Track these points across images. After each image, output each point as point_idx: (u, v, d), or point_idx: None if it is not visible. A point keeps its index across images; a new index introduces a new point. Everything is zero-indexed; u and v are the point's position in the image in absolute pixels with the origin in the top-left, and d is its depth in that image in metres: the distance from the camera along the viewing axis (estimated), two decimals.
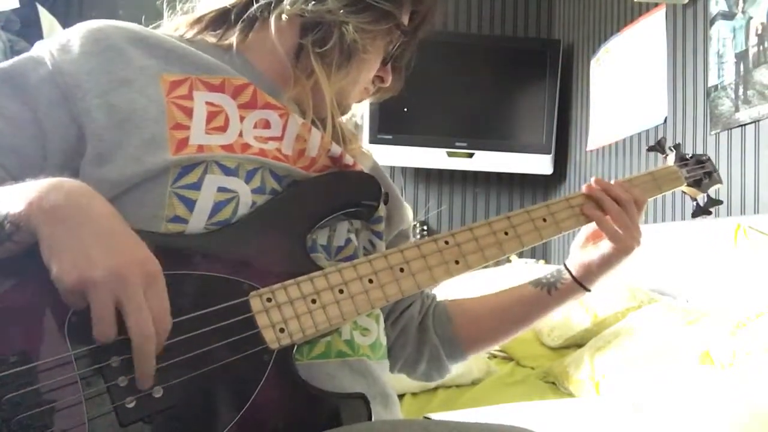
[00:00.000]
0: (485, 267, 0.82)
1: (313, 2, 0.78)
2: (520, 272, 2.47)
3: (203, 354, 0.62)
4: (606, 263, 0.87)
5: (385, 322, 0.89)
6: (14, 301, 0.59)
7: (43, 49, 0.72)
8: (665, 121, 2.40)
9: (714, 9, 2.10)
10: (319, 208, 0.75)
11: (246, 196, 0.72)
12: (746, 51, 1.94)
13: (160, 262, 0.60)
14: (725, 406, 1.10)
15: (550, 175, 3.33)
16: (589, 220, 0.87)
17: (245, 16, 0.79)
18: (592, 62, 3.02)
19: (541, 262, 3.19)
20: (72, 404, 0.57)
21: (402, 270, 0.74)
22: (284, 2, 0.78)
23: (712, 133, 2.11)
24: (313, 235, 0.76)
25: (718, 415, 1.07)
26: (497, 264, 2.64)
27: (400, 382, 1.58)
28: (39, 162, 0.69)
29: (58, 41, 0.72)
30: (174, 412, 0.60)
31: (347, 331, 0.75)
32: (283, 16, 0.79)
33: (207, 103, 0.74)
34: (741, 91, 1.96)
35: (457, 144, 3.27)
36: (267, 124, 0.77)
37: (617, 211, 0.85)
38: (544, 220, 0.84)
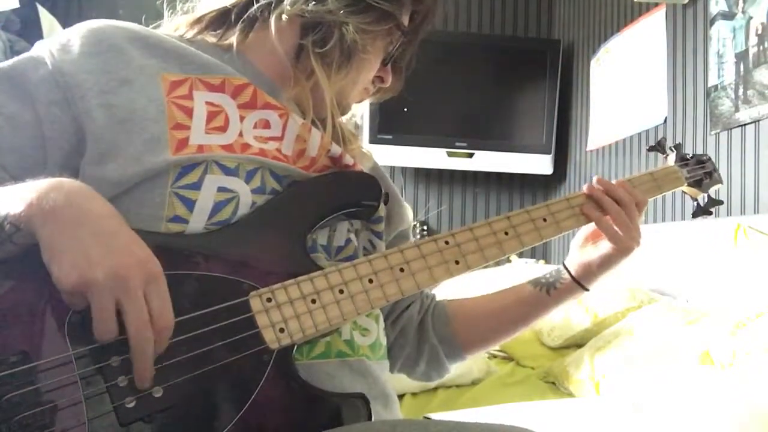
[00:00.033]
0: (485, 267, 0.82)
1: (314, 2, 0.78)
2: (520, 272, 2.47)
3: (203, 354, 0.62)
4: (605, 263, 0.87)
5: (384, 322, 0.89)
6: (14, 302, 0.59)
7: (43, 49, 0.72)
8: (665, 121, 2.40)
9: (714, 9, 2.10)
10: (319, 208, 0.75)
11: (246, 196, 0.72)
12: (746, 51, 1.94)
13: (160, 262, 0.60)
14: (725, 406, 1.10)
15: (550, 175, 3.33)
16: (589, 220, 0.87)
17: (245, 16, 0.79)
18: (592, 62, 3.02)
19: (541, 262, 3.19)
20: (72, 404, 0.57)
21: (402, 270, 0.74)
22: (284, 2, 0.78)
23: (712, 133, 2.11)
24: (313, 235, 0.76)
25: (718, 415, 1.07)
26: (497, 264, 2.64)
27: (400, 382, 1.58)
28: (39, 162, 0.69)
29: (58, 41, 0.72)
30: (174, 411, 0.60)
31: (347, 331, 0.76)
32: (284, 17, 0.79)
33: (207, 102, 0.74)
34: (741, 91, 1.96)
35: (457, 144, 3.27)
36: (267, 124, 0.77)
37: (617, 212, 0.85)
38: (544, 220, 0.84)
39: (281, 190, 0.75)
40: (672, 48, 2.38)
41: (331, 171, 0.79)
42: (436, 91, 3.14)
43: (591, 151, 3.03)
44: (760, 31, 1.89)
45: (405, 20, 0.85)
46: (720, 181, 1.01)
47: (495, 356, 2.17)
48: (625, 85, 2.71)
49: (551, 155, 3.28)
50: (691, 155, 1.00)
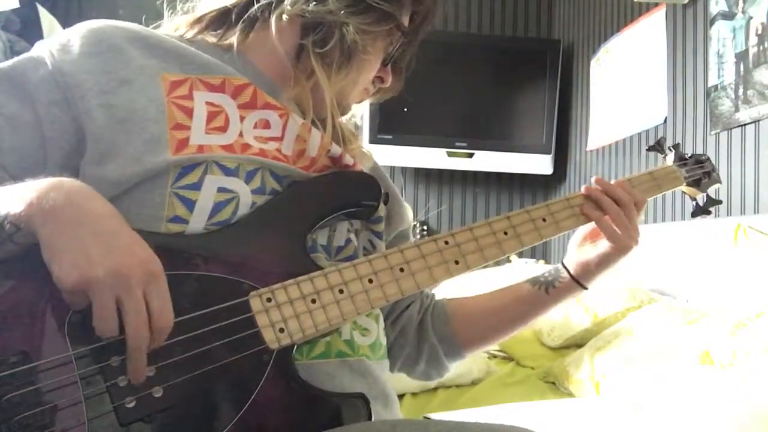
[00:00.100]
0: (485, 267, 0.82)
1: (314, 3, 0.78)
2: (520, 272, 2.47)
3: (203, 354, 0.62)
4: (604, 262, 0.87)
5: (384, 322, 0.89)
6: (15, 302, 0.59)
7: (43, 49, 0.72)
8: (665, 121, 2.40)
9: (714, 9, 2.10)
10: (319, 208, 0.75)
11: (246, 196, 0.72)
12: (746, 51, 1.94)
13: (160, 262, 0.60)
14: (725, 406, 1.10)
15: (550, 175, 3.33)
16: (588, 219, 0.87)
17: (246, 16, 0.79)
18: (592, 62, 3.02)
19: (541, 261, 3.19)
20: (72, 404, 0.57)
21: (402, 270, 0.74)
22: (285, 2, 0.78)
23: (712, 133, 2.11)
24: (313, 235, 0.76)
25: (718, 415, 1.07)
26: (497, 264, 2.64)
27: (400, 382, 1.58)
28: (39, 162, 0.69)
29: (58, 41, 0.72)
30: (174, 411, 0.60)
31: (347, 331, 0.76)
32: (284, 17, 0.79)
33: (207, 103, 0.74)
34: (741, 91, 1.96)
35: (457, 144, 3.27)
36: (267, 125, 0.77)
37: (616, 212, 0.85)
38: (544, 219, 0.84)
39: (281, 191, 0.75)
40: (672, 48, 2.38)
41: (331, 171, 0.80)
42: (436, 91, 3.14)
43: (591, 151, 3.03)
44: (760, 31, 1.89)
45: (405, 21, 0.85)
46: (719, 181, 1.01)
47: (495, 356, 2.17)
48: (625, 85, 2.71)
49: (551, 155, 3.28)
50: (689, 155, 1.01)
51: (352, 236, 0.81)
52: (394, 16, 0.82)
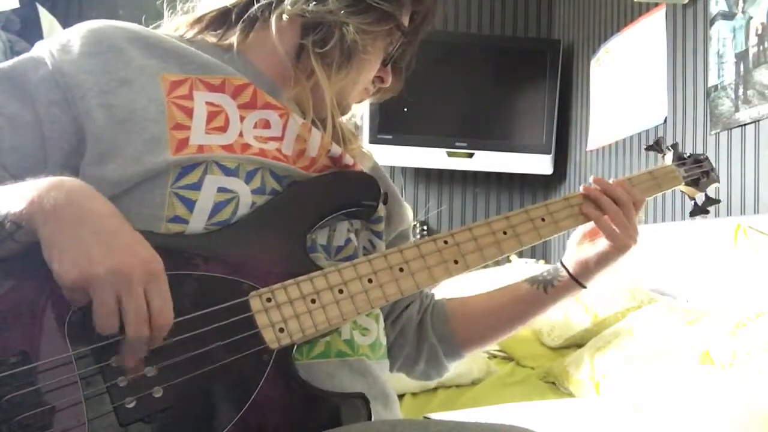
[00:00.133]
0: (485, 267, 0.82)
1: (314, 3, 0.78)
2: (520, 272, 2.47)
3: (203, 354, 0.62)
4: (603, 261, 0.87)
5: (384, 321, 0.89)
6: (15, 302, 0.59)
7: (44, 49, 0.72)
8: (665, 121, 2.40)
9: (714, 9, 2.10)
10: (318, 208, 0.75)
11: (246, 196, 0.72)
12: (746, 51, 1.94)
13: None
14: (725, 406, 1.10)
15: (550, 175, 3.33)
16: (587, 219, 0.87)
17: (246, 16, 0.79)
18: (592, 62, 3.02)
19: (541, 261, 3.19)
20: (72, 404, 0.57)
21: (401, 270, 0.74)
22: (285, 2, 0.78)
23: (712, 133, 2.11)
24: (313, 235, 0.76)
25: (718, 415, 1.07)
26: (497, 264, 2.64)
27: (400, 382, 1.58)
28: (39, 162, 0.69)
29: (58, 41, 0.72)
30: (174, 412, 0.60)
31: (347, 331, 0.76)
32: (284, 17, 0.79)
33: (207, 103, 0.74)
34: (741, 91, 1.96)
35: (457, 144, 3.27)
36: (267, 124, 0.77)
37: (615, 211, 0.85)
38: (543, 219, 0.84)
39: (281, 191, 0.75)
40: (672, 48, 2.38)
41: (330, 171, 0.80)
42: (436, 91, 3.14)
43: (591, 151, 3.03)
44: (760, 31, 1.89)
45: (405, 21, 0.85)
46: (717, 180, 1.01)
47: (495, 356, 2.17)
48: (625, 85, 2.71)
49: (551, 155, 3.28)
50: (688, 154, 1.01)
51: (352, 236, 0.81)
52: (394, 16, 0.82)
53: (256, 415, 0.63)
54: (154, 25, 0.84)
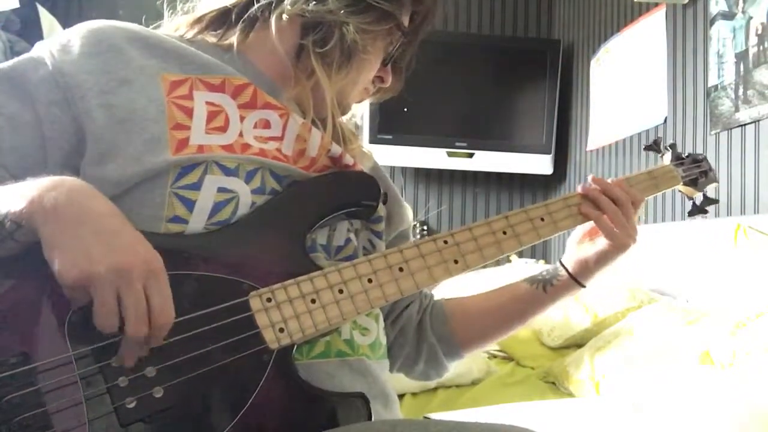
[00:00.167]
0: (485, 266, 0.82)
1: (314, 2, 0.78)
2: (520, 272, 2.47)
3: (203, 354, 0.62)
4: (602, 260, 0.88)
5: (384, 321, 0.89)
6: (15, 302, 0.59)
7: (44, 50, 0.72)
8: (665, 121, 2.40)
9: (714, 9, 2.10)
10: (318, 208, 0.75)
11: (246, 196, 0.72)
12: (746, 51, 1.94)
13: None
14: (725, 406, 1.10)
15: (550, 175, 3.33)
16: (586, 219, 0.87)
17: (246, 16, 0.79)
18: (592, 62, 3.02)
19: (541, 261, 3.19)
20: (72, 404, 0.57)
21: (401, 269, 0.74)
22: (285, 2, 0.78)
23: (712, 133, 2.11)
24: (313, 235, 0.76)
25: (718, 415, 1.07)
26: (497, 264, 2.64)
27: (400, 382, 1.57)
28: (39, 162, 0.69)
29: (58, 41, 0.72)
30: (174, 412, 0.60)
31: (347, 331, 0.76)
32: (284, 16, 0.79)
33: (207, 103, 0.74)
34: (741, 91, 1.96)
35: (457, 144, 3.27)
36: (267, 124, 0.77)
37: (614, 211, 0.86)
38: (542, 219, 0.84)
39: (281, 190, 0.75)
40: (672, 48, 2.38)
41: (330, 171, 0.80)
42: (436, 91, 3.14)
43: (591, 151, 3.03)
44: (760, 31, 1.89)
45: (405, 20, 0.85)
46: (715, 180, 1.01)
47: (495, 356, 2.17)
48: (625, 85, 2.71)
49: (551, 155, 3.28)
50: (686, 154, 1.01)
51: (352, 236, 0.81)
52: (394, 16, 0.82)
53: (256, 415, 0.63)
54: (154, 25, 0.84)
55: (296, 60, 0.80)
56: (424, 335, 0.94)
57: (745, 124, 1.95)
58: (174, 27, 0.83)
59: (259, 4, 0.79)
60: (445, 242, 0.77)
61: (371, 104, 1.00)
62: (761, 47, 1.88)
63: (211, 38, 0.81)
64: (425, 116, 3.24)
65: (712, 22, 2.11)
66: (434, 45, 2.94)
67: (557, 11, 3.57)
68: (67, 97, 0.69)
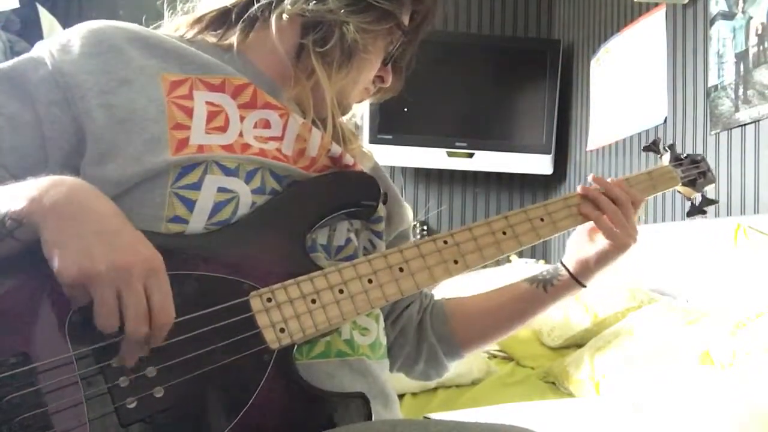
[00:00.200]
0: (485, 267, 0.82)
1: (314, 2, 0.78)
2: (520, 272, 2.47)
3: (204, 354, 0.62)
4: (603, 260, 0.88)
5: (384, 321, 0.89)
6: (15, 302, 0.59)
7: (44, 50, 0.72)
8: (665, 121, 2.40)
9: (714, 9, 2.10)
10: (318, 208, 0.75)
11: (246, 196, 0.72)
12: (746, 51, 1.94)
13: None
14: (725, 406, 1.10)
15: (550, 175, 3.33)
16: (586, 219, 0.87)
17: (246, 15, 0.79)
18: (592, 62, 3.02)
19: (541, 261, 3.19)
20: (73, 405, 0.57)
21: (401, 270, 0.74)
22: (285, 2, 0.78)
23: (712, 133, 2.11)
24: (313, 235, 0.76)
25: (718, 415, 1.07)
26: (497, 264, 2.64)
27: (400, 382, 1.57)
28: (39, 162, 0.69)
29: (58, 41, 0.72)
30: (175, 412, 0.60)
31: (347, 331, 0.76)
32: (284, 16, 0.79)
33: (207, 102, 0.74)
34: (741, 91, 1.96)
35: (457, 144, 3.27)
36: (267, 124, 0.77)
37: (614, 211, 0.86)
38: (542, 219, 0.84)
39: (281, 190, 0.75)
40: (672, 48, 2.38)
41: (330, 171, 0.80)
42: (436, 91, 3.14)
43: (591, 151, 3.03)
44: (760, 31, 1.89)
45: (405, 20, 0.85)
46: (713, 181, 1.02)
47: (495, 356, 2.17)
48: (625, 85, 2.71)
49: (551, 155, 3.28)
50: (685, 155, 1.01)
51: (352, 236, 0.81)
52: (394, 15, 0.82)
53: (256, 415, 0.63)
54: (155, 25, 0.84)
55: (296, 60, 0.80)
56: (424, 335, 0.94)
57: (745, 124, 1.95)
58: (174, 27, 0.83)
59: (259, 4, 0.79)
60: (445, 242, 0.77)
61: (371, 104, 1.00)
62: (761, 47, 1.88)
63: (211, 38, 0.81)
64: (425, 116, 3.24)
65: (712, 22, 2.11)
66: (434, 45, 2.94)
67: (557, 11, 3.57)
68: (67, 97, 0.69)
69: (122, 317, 0.57)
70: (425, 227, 3.42)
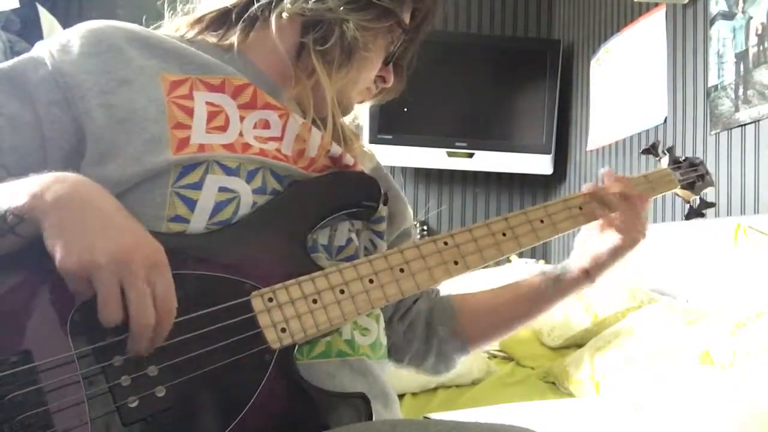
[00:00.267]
0: (485, 267, 0.82)
1: (314, 0, 0.78)
2: (520, 272, 2.47)
3: (205, 354, 0.62)
4: (613, 255, 0.88)
5: (393, 317, 0.90)
6: (17, 300, 0.59)
7: (43, 50, 0.72)
8: (665, 121, 2.40)
9: (714, 9, 2.10)
10: (319, 209, 0.75)
11: (247, 196, 0.72)
12: (746, 51, 1.94)
13: None
14: (725, 406, 1.10)
15: (550, 175, 3.33)
16: (588, 220, 0.87)
17: (246, 15, 0.79)
18: (592, 62, 3.02)
19: (541, 261, 3.20)
20: (74, 404, 0.57)
21: (402, 270, 0.74)
22: (285, 1, 0.78)
23: (712, 133, 2.11)
24: (314, 235, 0.76)
25: (718, 415, 1.07)
26: (497, 264, 2.63)
27: (400, 382, 1.58)
28: (40, 162, 0.69)
29: (58, 41, 0.72)
30: (176, 411, 0.60)
31: (347, 331, 0.76)
32: (284, 15, 0.79)
33: (207, 102, 0.74)
34: (741, 91, 1.96)
35: (457, 144, 3.27)
36: (267, 125, 0.77)
37: (623, 207, 0.86)
38: (542, 221, 0.84)
39: (282, 190, 0.75)
40: (672, 48, 2.38)
41: (331, 171, 0.80)
42: (436, 91, 3.14)
43: (591, 151, 3.03)
44: (760, 31, 1.89)
45: (406, 18, 0.85)
46: (712, 184, 1.02)
47: (495, 356, 2.17)
48: (625, 85, 2.71)
49: (551, 155, 3.28)
50: (683, 158, 1.02)
51: (353, 236, 0.81)
52: (394, 13, 0.81)
53: (257, 415, 0.63)
54: (155, 25, 0.84)
55: (297, 59, 0.80)
56: (433, 330, 0.94)
57: (745, 124, 1.95)
58: (174, 27, 0.83)
59: (259, 4, 0.79)
60: (446, 243, 0.77)
61: (371, 105, 1.00)
62: (761, 47, 1.88)
63: (211, 38, 0.81)
64: (425, 116, 3.24)
65: (712, 22, 2.11)
66: (434, 45, 2.92)
67: (557, 11, 3.57)
68: (67, 97, 0.69)
69: (126, 312, 0.57)
70: (425, 227, 3.42)
